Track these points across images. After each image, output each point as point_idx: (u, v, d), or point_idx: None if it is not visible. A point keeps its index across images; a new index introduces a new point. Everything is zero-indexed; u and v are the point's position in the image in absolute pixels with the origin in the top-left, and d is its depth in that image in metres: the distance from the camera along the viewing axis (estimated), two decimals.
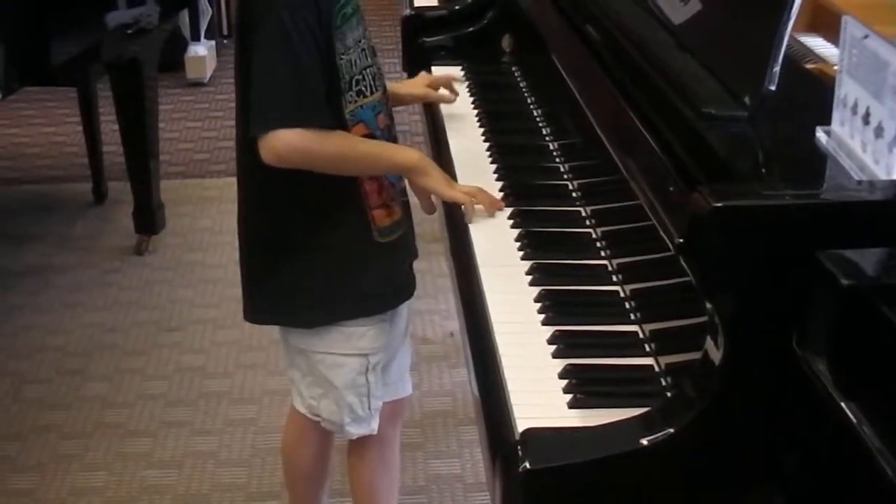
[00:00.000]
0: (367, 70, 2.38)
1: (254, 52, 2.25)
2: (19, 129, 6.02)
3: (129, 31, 4.38)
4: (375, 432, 2.58)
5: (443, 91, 2.91)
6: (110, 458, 3.49)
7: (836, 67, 1.71)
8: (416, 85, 2.93)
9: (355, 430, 2.56)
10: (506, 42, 3.30)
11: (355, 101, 2.35)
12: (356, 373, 2.48)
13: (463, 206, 2.36)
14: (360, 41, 2.36)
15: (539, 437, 1.63)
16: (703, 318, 1.60)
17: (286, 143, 2.23)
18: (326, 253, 2.42)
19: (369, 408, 2.53)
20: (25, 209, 5.14)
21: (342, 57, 2.31)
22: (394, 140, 2.49)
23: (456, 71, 2.93)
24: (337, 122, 2.31)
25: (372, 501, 2.79)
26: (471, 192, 2.38)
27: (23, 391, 3.82)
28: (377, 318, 2.48)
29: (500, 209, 2.38)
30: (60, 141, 5.86)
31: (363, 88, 2.36)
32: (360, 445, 2.69)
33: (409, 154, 2.40)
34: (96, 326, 4.19)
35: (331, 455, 2.84)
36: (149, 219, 4.72)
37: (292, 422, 2.75)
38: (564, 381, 1.84)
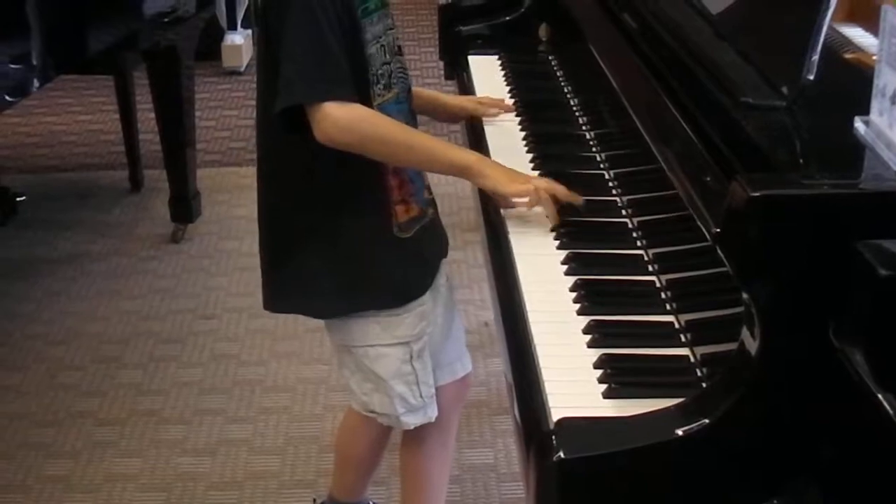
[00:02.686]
0: (385, 67, 2.38)
1: (280, 33, 2.24)
2: (56, 116, 6.05)
3: (166, 20, 4.41)
4: (433, 420, 2.57)
5: (492, 109, 2.85)
6: (144, 445, 3.50)
7: (875, 57, 1.70)
8: (467, 99, 2.91)
9: (411, 420, 2.55)
10: (542, 31, 3.29)
11: (382, 96, 2.36)
12: (400, 361, 2.47)
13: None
14: (379, 37, 2.36)
15: (574, 427, 1.63)
16: (740, 309, 1.59)
17: (334, 120, 2.21)
18: (345, 245, 2.41)
19: (421, 395, 2.51)
20: (62, 197, 5.17)
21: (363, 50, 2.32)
22: None
23: (507, 100, 2.91)
24: None
25: (425, 491, 2.80)
26: (529, 190, 2.29)
27: (58, 377, 3.84)
28: (415, 304, 2.46)
29: (578, 202, 2.30)
30: (97, 129, 5.88)
31: (383, 84, 2.37)
32: (416, 435, 2.66)
33: (466, 155, 2.38)
34: (132, 314, 4.21)
35: (384, 448, 2.84)
36: (185, 207, 4.74)
37: (349, 416, 2.76)
38: (599, 371, 1.83)
